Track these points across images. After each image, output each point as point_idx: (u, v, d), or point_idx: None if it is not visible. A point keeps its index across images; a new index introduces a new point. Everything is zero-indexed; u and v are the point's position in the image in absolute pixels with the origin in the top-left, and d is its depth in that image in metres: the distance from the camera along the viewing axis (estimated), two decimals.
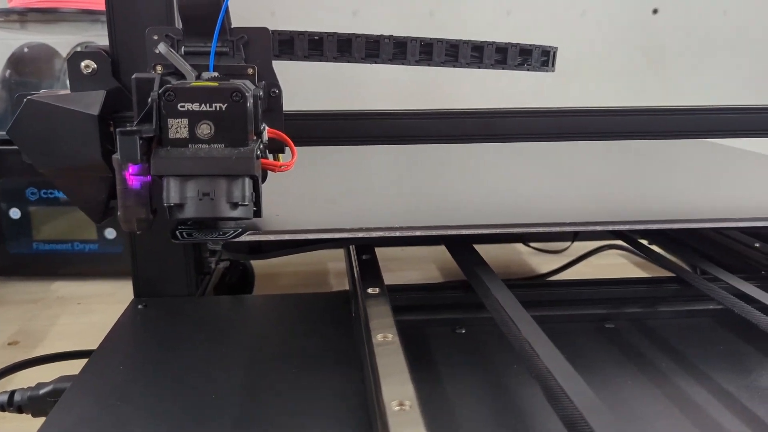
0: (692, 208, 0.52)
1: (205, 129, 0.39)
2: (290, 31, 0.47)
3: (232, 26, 0.46)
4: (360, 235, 0.44)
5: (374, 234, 0.44)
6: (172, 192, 0.39)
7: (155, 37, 0.46)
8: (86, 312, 0.77)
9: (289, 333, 0.50)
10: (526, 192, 0.60)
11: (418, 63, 0.50)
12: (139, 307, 0.54)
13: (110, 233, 0.85)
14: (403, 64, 0.49)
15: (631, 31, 1.08)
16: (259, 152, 0.41)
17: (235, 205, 0.40)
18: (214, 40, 0.43)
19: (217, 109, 0.39)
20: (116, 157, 0.39)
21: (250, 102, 0.39)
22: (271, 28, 0.55)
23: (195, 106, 0.39)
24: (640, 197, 0.57)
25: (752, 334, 0.48)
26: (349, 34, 0.48)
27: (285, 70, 0.47)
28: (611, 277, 0.61)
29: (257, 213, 0.42)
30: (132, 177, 0.39)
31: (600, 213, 0.50)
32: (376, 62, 0.49)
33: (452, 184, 0.64)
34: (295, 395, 0.41)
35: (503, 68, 0.57)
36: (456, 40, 0.52)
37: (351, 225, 0.44)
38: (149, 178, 0.39)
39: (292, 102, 0.47)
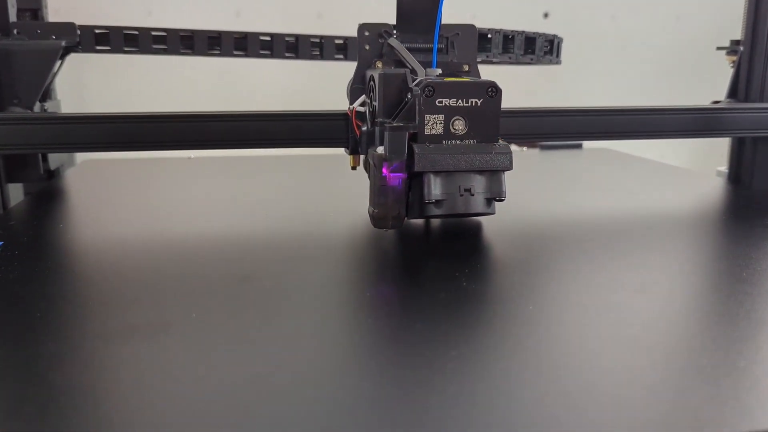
0: None
1: (459, 125, 0.39)
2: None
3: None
4: None
5: None
6: (434, 188, 0.38)
7: (366, 33, 0.45)
8: None
9: None
10: None
11: None
12: None
13: None
14: None
15: None
16: None
17: (489, 201, 0.40)
18: (435, 37, 0.43)
19: (473, 104, 0.39)
20: (378, 152, 0.38)
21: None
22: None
23: (452, 102, 0.39)
24: None
25: None
26: None
27: None
28: None
29: None
30: (392, 174, 0.38)
31: None
32: None
33: None
34: None
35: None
36: None
37: None
38: (406, 174, 0.39)
39: None
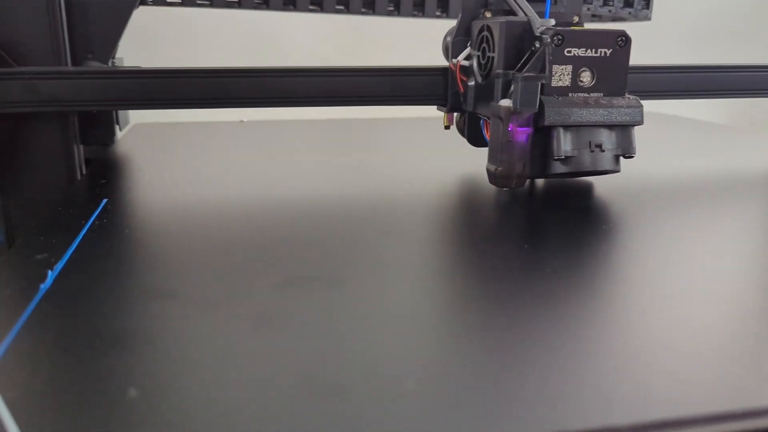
0: None
1: (586, 76, 0.37)
2: None
3: None
4: None
5: None
6: (563, 143, 0.36)
7: None
8: None
9: None
10: None
11: None
12: None
13: None
14: None
15: None
16: None
17: (617, 158, 0.38)
18: None
19: (602, 54, 0.37)
20: (504, 105, 0.36)
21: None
22: None
23: (580, 52, 0.36)
24: None
25: None
26: None
27: None
28: None
29: None
30: (518, 129, 0.36)
31: None
32: None
33: None
34: None
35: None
36: None
37: None
38: (531, 129, 0.37)
39: None
